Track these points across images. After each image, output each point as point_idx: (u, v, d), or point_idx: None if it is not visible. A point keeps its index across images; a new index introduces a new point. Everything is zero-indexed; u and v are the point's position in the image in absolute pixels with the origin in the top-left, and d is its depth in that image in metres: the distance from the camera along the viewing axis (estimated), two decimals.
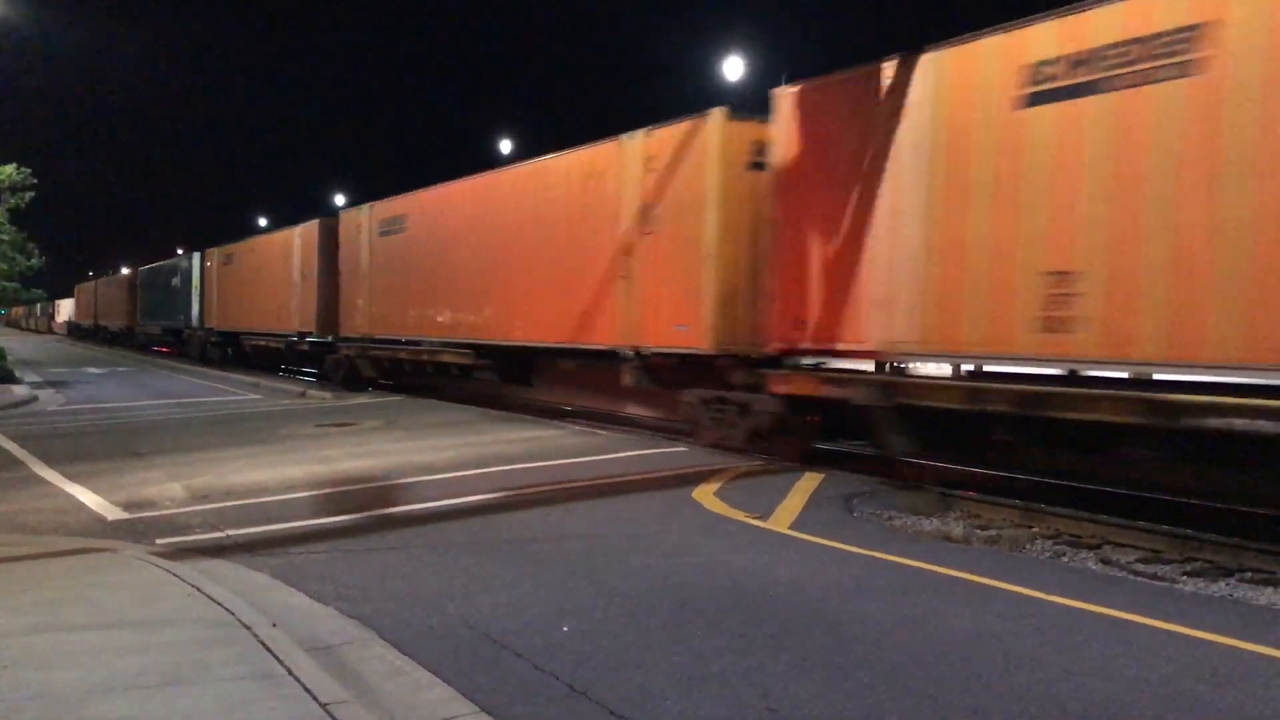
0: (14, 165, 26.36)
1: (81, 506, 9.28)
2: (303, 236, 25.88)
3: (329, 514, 8.61)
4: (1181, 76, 7.60)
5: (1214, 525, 8.17)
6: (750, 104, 12.37)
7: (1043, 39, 8.54)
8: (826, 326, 10.70)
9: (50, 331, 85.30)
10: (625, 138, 13.77)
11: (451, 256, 18.70)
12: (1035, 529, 8.59)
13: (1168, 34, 7.68)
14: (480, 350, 17.73)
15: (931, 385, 9.79)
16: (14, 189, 26.49)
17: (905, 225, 9.75)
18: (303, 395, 21.78)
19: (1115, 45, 7.97)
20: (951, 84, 9.35)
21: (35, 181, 27.01)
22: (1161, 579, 7.16)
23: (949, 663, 4.78)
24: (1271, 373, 7.32)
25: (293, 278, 26.28)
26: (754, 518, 8.16)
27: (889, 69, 9.93)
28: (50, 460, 12.03)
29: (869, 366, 10.59)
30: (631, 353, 13.55)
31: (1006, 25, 8.87)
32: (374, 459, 11.66)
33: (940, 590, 6.08)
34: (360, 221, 22.59)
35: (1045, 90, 8.49)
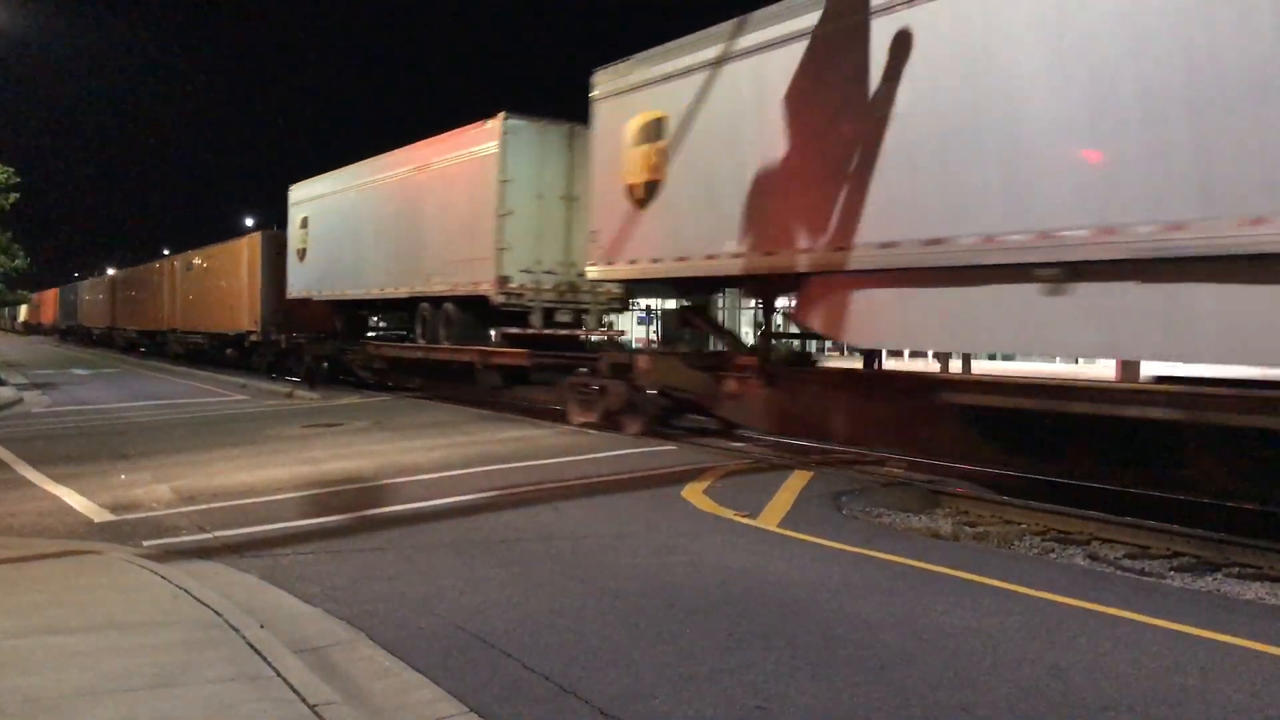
0: None
1: (67, 509, 9.22)
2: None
3: (316, 515, 8.57)
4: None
5: (1201, 520, 8.21)
6: None
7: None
8: None
9: (14, 331, 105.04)
10: None
11: None
12: (1023, 526, 8.62)
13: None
14: None
15: None
16: None
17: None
18: (289, 396, 21.70)
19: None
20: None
21: (19, 180, 26.84)
22: (1149, 575, 7.19)
23: (938, 660, 4.79)
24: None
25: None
26: (743, 516, 8.16)
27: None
28: (36, 462, 11.95)
29: None
30: None
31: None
32: (361, 460, 11.62)
33: (929, 587, 6.09)
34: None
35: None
